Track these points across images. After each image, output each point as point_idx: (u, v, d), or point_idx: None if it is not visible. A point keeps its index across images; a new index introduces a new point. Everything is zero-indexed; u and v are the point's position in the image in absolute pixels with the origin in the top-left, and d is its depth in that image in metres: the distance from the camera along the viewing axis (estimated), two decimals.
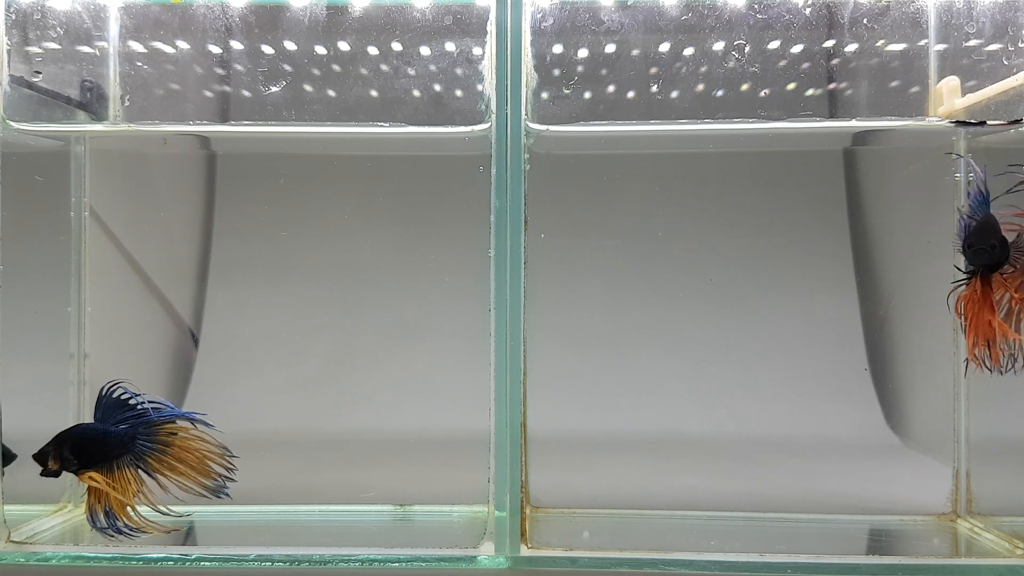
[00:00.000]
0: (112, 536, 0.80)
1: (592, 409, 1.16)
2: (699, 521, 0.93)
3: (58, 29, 0.95)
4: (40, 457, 0.81)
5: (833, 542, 0.82)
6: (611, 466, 1.10)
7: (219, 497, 0.80)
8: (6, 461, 0.86)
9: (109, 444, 0.80)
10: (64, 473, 0.81)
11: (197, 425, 0.81)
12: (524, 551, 0.81)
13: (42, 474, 0.81)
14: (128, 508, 0.80)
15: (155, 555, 0.80)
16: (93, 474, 0.80)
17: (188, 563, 0.79)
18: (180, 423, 0.81)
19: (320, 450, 1.13)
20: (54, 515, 0.95)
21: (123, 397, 0.81)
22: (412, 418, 1.16)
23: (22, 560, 0.81)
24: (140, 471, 0.80)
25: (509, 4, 0.83)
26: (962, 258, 0.86)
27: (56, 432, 0.81)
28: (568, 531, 0.90)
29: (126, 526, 0.80)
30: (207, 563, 0.79)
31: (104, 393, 0.81)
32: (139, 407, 0.81)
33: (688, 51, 0.98)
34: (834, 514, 0.95)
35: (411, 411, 1.17)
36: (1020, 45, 0.88)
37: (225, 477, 0.81)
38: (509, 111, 0.83)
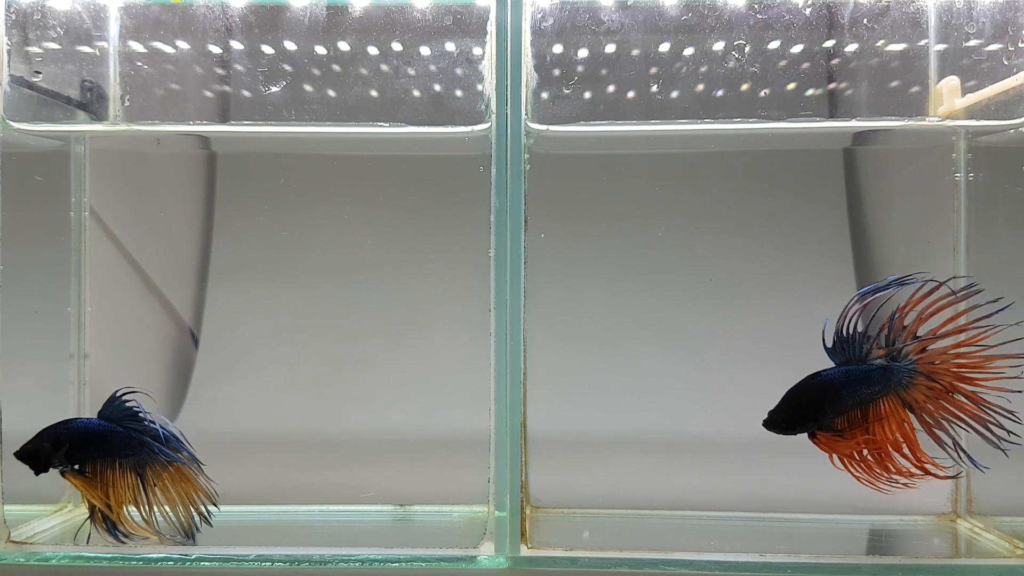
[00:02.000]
0: (119, 541, 0.81)
1: (592, 409, 1.16)
2: (699, 521, 0.93)
3: (58, 29, 0.95)
4: (33, 452, 0.81)
5: (833, 542, 0.82)
6: (611, 466, 1.09)
7: (189, 540, 0.81)
8: None
9: (115, 443, 0.80)
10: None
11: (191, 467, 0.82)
12: (524, 551, 0.81)
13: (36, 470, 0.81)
14: (125, 512, 0.81)
15: (155, 555, 0.80)
16: (71, 477, 0.80)
17: (188, 563, 0.79)
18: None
19: (320, 450, 1.13)
20: (54, 515, 0.95)
21: (134, 408, 0.81)
22: (412, 418, 1.16)
23: (22, 560, 0.81)
24: (139, 478, 0.81)
25: (509, 4, 0.83)
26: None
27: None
28: (568, 531, 0.90)
29: (122, 530, 0.80)
30: (207, 563, 0.79)
31: (118, 396, 0.81)
32: (148, 423, 0.81)
33: (688, 51, 0.98)
34: (834, 514, 0.95)
35: (411, 411, 1.17)
36: (1020, 45, 0.88)
37: (203, 519, 0.82)
38: (509, 111, 0.83)
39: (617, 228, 1.17)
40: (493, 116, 0.83)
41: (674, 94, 0.99)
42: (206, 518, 0.82)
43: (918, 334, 0.75)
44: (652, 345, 1.19)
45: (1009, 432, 0.75)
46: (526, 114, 0.83)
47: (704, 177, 1.16)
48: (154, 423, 0.81)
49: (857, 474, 0.76)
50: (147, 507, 0.81)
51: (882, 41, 0.97)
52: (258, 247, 1.19)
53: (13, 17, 0.89)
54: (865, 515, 0.95)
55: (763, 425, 0.79)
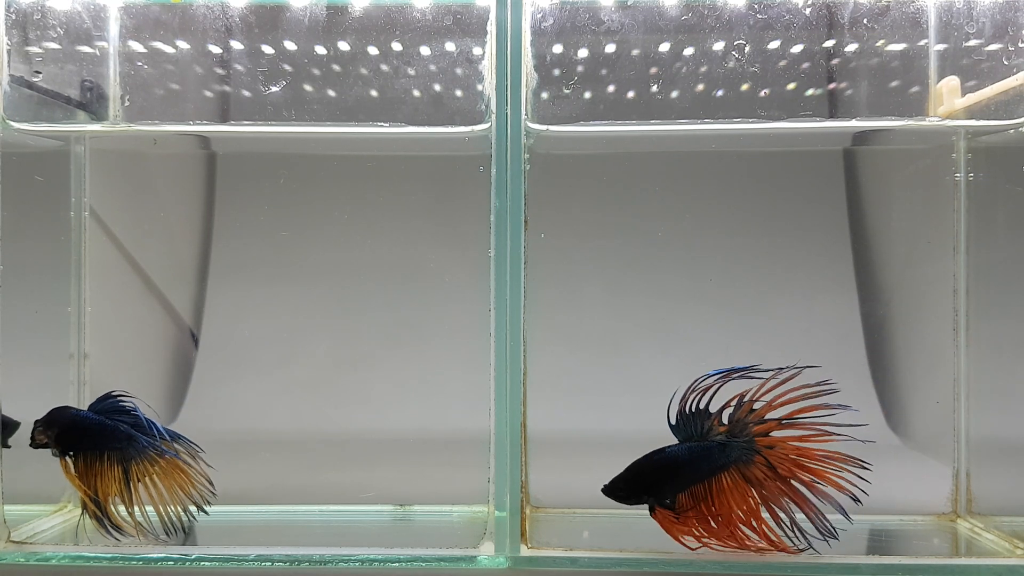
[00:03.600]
0: (109, 533, 0.81)
1: (592, 409, 1.16)
2: None
3: (58, 29, 0.95)
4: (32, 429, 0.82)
5: (833, 542, 0.82)
6: (611, 466, 1.09)
7: (175, 537, 0.82)
8: (9, 431, 0.86)
9: (105, 435, 0.81)
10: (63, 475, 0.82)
11: (185, 456, 0.82)
12: (524, 551, 0.81)
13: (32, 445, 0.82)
14: (111, 505, 0.81)
15: (155, 555, 0.80)
16: (63, 463, 0.81)
17: (188, 563, 0.79)
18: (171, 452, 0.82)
19: (320, 450, 1.13)
20: (54, 515, 0.95)
21: (126, 406, 0.82)
22: (412, 418, 1.16)
23: (22, 560, 0.81)
24: (124, 472, 0.81)
25: (509, 4, 0.83)
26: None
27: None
28: (568, 531, 0.90)
29: (111, 524, 0.81)
30: (207, 563, 0.79)
31: (111, 395, 0.82)
32: (139, 418, 0.82)
33: (688, 51, 0.98)
34: (833, 514, 0.94)
35: (411, 411, 1.17)
36: (1020, 45, 0.88)
37: (199, 509, 0.83)
38: (509, 111, 0.82)
39: (617, 228, 1.17)
40: (493, 116, 0.83)
41: (674, 94, 0.99)
42: (202, 508, 0.82)
43: (762, 416, 0.77)
44: (652, 345, 1.19)
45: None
46: (526, 114, 0.83)
47: (704, 177, 1.16)
48: (144, 417, 0.81)
49: (706, 542, 0.77)
50: (129, 502, 0.81)
51: (882, 41, 0.97)
52: (258, 247, 1.19)
53: (13, 17, 0.89)
54: (865, 515, 0.95)
55: (602, 491, 0.80)
